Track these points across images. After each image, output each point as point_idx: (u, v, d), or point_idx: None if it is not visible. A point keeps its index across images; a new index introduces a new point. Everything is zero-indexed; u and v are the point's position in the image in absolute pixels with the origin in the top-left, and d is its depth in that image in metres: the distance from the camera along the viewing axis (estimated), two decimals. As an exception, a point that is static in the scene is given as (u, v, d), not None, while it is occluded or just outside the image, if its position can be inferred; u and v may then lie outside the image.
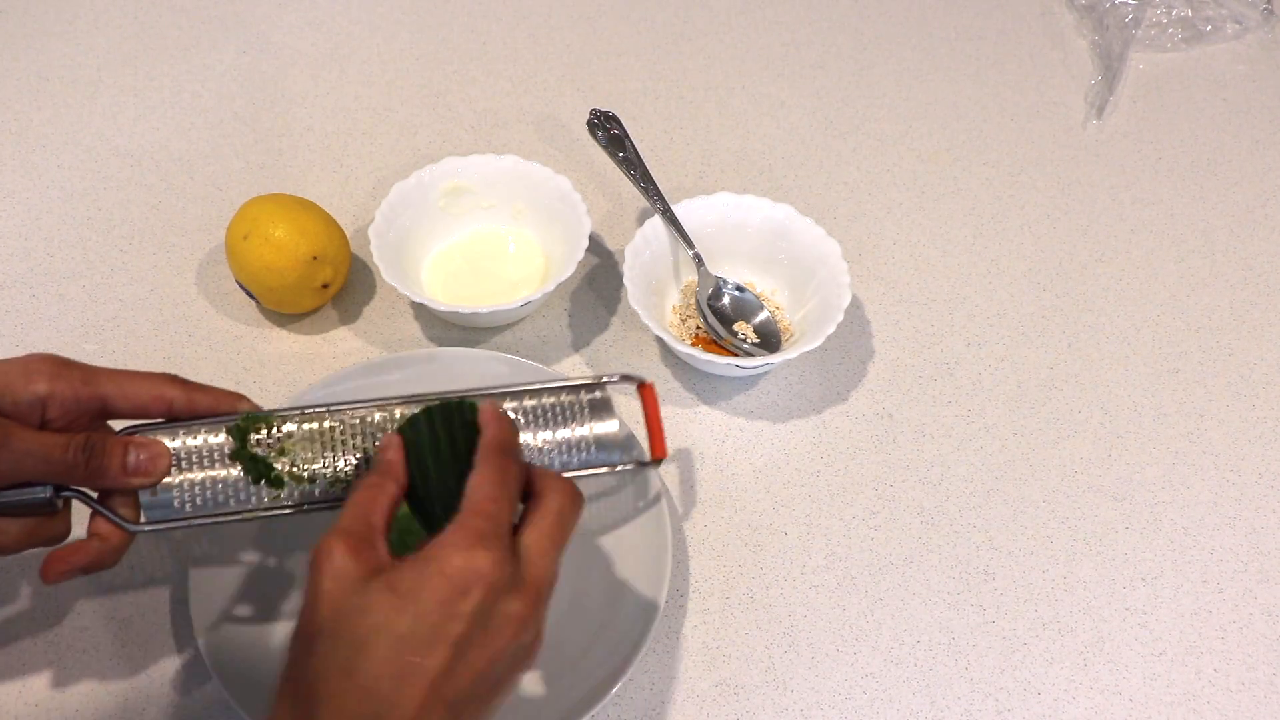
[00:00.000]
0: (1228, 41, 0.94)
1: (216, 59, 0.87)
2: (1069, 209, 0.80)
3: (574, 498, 0.46)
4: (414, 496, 0.47)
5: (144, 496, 0.49)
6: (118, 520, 0.48)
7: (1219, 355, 0.72)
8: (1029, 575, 0.62)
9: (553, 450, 0.53)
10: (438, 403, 0.49)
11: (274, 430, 0.50)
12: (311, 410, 0.51)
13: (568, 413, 0.53)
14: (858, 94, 0.88)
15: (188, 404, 0.49)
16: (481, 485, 0.43)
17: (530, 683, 0.54)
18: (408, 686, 0.39)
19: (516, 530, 0.44)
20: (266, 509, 0.50)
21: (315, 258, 0.66)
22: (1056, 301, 0.75)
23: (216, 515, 0.49)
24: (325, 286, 0.68)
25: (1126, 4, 0.93)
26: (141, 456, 0.48)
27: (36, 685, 0.55)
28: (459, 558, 0.40)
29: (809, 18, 0.93)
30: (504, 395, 0.53)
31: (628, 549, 0.58)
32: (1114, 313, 0.74)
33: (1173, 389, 0.71)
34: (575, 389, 0.54)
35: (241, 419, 0.50)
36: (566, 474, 0.52)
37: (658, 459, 0.55)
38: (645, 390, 0.56)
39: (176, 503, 0.49)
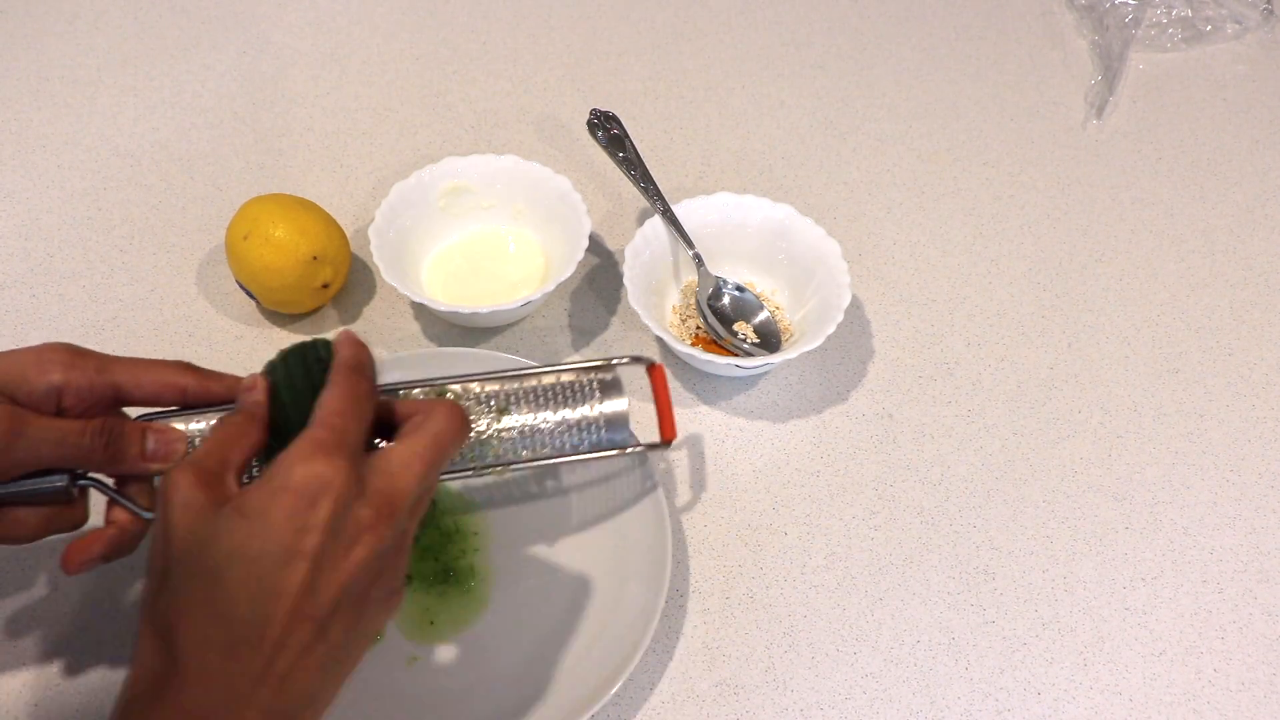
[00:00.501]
0: (1228, 41, 0.94)
1: (216, 59, 0.87)
2: (1069, 209, 0.81)
3: (454, 420, 0.44)
4: (278, 438, 0.46)
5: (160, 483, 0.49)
6: (135, 508, 0.48)
7: (1219, 355, 0.72)
8: (1029, 575, 0.62)
9: (563, 431, 0.52)
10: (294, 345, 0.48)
11: None
12: None
13: (578, 394, 0.53)
14: (858, 94, 0.88)
15: (202, 391, 0.49)
16: (327, 401, 0.43)
17: (531, 682, 0.55)
18: (269, 608, 0.38)
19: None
20: None
21: (315, 258, 0.66)
22: (1056, 301, 0.75)
23: None
24: (325, 286, 0.68)
25: (1126, 4, 0.93)
26: (160, 442, 0.48)
27: (37, 685, 0.55)
28: (300, 469, 0.40)
29: (809, 18, 0.93)
30: (514, 377, 0.52)
31: (628, 549, 0.58)
32: (1114, 313, 0.74)
33: (1173, 389, 0.71)
34: (585, 370, 0.53)
35: None
36: (577, 457, 0.52)
37: (667, 440, 0.55)
38: (655, 371, 0.55)
39: None
